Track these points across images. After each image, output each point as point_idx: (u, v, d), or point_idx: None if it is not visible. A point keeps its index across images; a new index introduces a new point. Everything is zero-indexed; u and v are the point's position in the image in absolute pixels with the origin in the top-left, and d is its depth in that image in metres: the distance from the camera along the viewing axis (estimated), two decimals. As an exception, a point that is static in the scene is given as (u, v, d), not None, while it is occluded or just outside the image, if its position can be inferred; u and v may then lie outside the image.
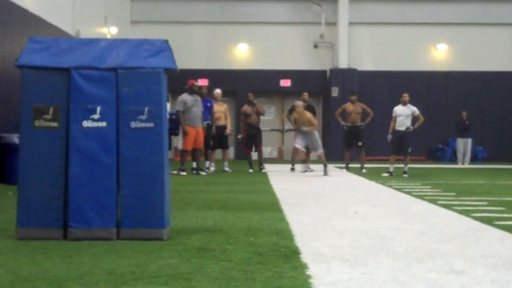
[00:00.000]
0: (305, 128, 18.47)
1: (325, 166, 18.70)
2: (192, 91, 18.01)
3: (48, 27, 18.07)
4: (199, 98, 18.24)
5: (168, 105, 17.07)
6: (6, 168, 14.37)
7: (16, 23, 15.89)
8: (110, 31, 25.05)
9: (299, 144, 18.82)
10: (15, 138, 14.12)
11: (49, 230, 6.74)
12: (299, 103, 19.11)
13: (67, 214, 6.75)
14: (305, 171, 19.54)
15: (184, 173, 17.88)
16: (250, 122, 20.29)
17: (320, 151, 18.87)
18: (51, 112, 6.80)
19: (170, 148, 19.04)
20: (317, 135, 18.87)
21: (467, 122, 27.07)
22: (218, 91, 20.22)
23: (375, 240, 6.93)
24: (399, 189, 13.63)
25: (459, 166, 25.99)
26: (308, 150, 19.25)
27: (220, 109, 19.83)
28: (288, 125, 28.08)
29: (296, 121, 19.06)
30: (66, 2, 20.15)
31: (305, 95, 20.73)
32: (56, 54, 6.94)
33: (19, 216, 6.81)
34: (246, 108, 20.43)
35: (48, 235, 6.71)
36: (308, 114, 18.85)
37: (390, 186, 14.47)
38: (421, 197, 11.93)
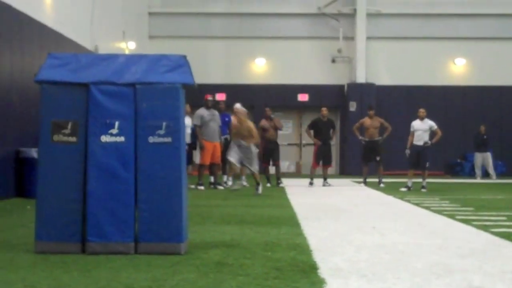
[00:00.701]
0: (243, 142, 16.38)
1: (258, 184, 16.35)
2: (208, 105, 18.07)
3: (66, 42, 18.17)
4: (216, 113, 18.29)
5: (189, 119, 17.13)
6: (25, 182, 14.44)
7: (35, 38, 16.00)
8: (128, 46, 25.14)
9: (233, 158, 16.50)
10: (33, 153, 14.19)
11: (67, 244, 6.78)
12: (240, 109, 16.81)
13: (85, 228, 6.77)
14: (238, 188, 17.41)
15: (202, 188, 17.90)
16: (268, 137, 20.29)
17: (256, 168, 16.60)
18: (69, 127, 6.85)
19: (190, 163, 19.05)
20: (254, 149, 16.65)
21: (485, 137, 26.92)
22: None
23: (393, 255, 6.91)
24: (417, 204, 13.58)
25: (477, 180, 25.84)
26: (242, 165, 16.84)
27: (240, 123, 19.82)
28: (306, 139, 28.00)
29: (233, 129, 16.80)
30: (84, 17, 20.27)
31: (324, 110, 20.65)
32: (75, 69, 6.99)
33: (37, 230, 6.84)
34: (263, 122, 20.44)
35: (67, 249, 6.74)
36: (249, 124, 16.82)
37: (408, 201, 14.42)
38: (439, 212, 11.88)
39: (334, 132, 21.02)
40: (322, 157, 20.27)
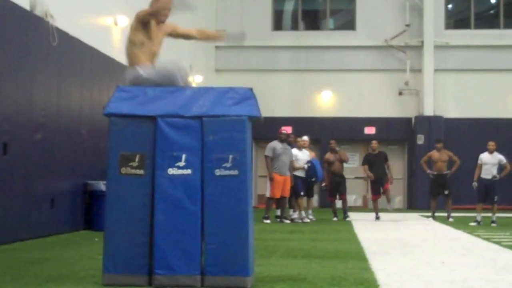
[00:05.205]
0: None
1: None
2: (281, 139, 18.11)
3: (135, 76, 18.38)
4: (289, 147, 18.34)
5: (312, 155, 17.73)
6: (93, 215, 14.60)
7: (104, 72, 16.23)
8: (195, 80, 25.37)
9: None
10: (101, 186, 14.37)
11: (134, 276, 6.79)
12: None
13: (152, 260, 6.78)
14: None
15: (268, 221, 17.86)
16: (334, 170, 20.20)
17: None
18: (137, 159, 6.89)
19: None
20: None
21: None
22: (305, 138, 20.20)
23: (464, 291, 6.77)
24: (487, 239, 13.33)
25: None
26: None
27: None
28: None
29: None
30: (152, 51, 20.51)
31: (374, 143, 20.58)
32: (142, 102, 7.04)
33: (105, 262, 6.87)
34: (329, 155, 20.38)
35: (134, 282, 6.75)
36: None
37: (478, 236, 14.17)
38: (510, 247, 11.64)
39: (388, 165, 20.42)
40: (380, 189, 20.08)
